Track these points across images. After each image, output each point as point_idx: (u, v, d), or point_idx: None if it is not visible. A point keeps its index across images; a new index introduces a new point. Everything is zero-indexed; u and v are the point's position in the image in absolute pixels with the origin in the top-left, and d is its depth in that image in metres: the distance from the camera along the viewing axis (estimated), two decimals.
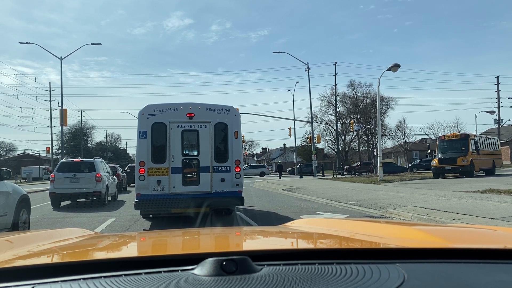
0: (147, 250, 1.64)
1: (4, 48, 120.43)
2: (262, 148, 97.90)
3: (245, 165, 47.89)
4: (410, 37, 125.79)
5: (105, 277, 0.94)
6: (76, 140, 77.51)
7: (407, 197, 12.91)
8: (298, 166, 45.04)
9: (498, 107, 50.12)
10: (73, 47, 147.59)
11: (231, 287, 0.87)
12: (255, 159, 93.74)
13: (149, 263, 1.03)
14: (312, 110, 42.09)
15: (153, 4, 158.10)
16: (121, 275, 0.95)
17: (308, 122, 43.06)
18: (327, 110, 58.96)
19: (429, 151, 34.10)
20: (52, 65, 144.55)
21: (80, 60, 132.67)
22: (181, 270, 0.97)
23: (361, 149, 64.75)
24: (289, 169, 60.35)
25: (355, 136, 61.53)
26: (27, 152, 78.00)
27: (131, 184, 22.12)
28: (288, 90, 70.63)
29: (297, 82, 64.05)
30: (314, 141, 40.08)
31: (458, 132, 34.16)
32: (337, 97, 52.98)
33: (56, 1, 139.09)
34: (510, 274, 1.01)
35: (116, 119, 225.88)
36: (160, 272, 0.96)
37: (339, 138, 56.89)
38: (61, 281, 0.93)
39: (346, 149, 61.29)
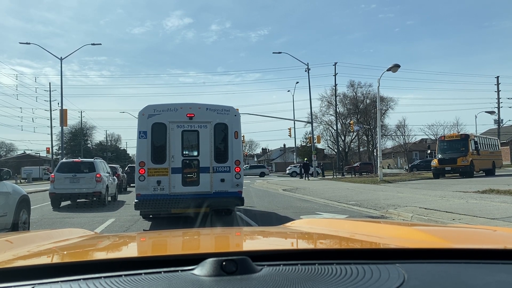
0: (147, 250, 1.64)
1: (2, 48, 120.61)
2: (262, 149, 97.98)
3: (245, 166, 47.90)
4: (411, 37, 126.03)
5: (105, 277, 0.94)
6: (76, 140, 77.49)
7: (407, 197, 12.91)
8: (298, 166, 44.99)
9: (498, 107, 50.19)
10: (71, 47, 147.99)
11: (231, 287, 0.88)
12: (255, 160, 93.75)
13: (149, 263, 1.03)
14: (312, 111, 42.05)
15: (152, 3, 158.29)
16: (121, 275, 0.95)
17: (308, 122, 43.04)
18: (327, 111, 59.03)
19: (429, 151, 34.10)
20: (51, 65, 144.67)
21: (79, 60, 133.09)
22: (181, 270, 0.97)
23: (361, 149, 64.76)
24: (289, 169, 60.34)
25: (355, 136, 61.55)
26: (27, 152, 78.02)
27: (131, 185, 22.12)
28: (288, 91, 70.53)
29: (297, 83, 64.25)
30: (314, 141, 40.04)
31: (458, 133, 34.14)
32: (337, 97, 53.04)
33: (53, 1, 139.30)
34: (510, 274, 1.01)
35: (116, 119, 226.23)
36: (160, 272, 0.96)
37: (339, 138, 56.90)
38: (61, 281, 0.93)
39: (346, 150, 61.28)
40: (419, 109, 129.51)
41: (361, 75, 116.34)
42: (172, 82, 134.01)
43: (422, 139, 64.90)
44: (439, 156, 26.53)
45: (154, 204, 8.87)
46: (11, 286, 0.91)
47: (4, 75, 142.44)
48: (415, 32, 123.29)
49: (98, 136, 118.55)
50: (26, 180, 53.03)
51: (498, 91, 50.84)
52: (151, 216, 9.73)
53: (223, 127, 9.48)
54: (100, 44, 52.43)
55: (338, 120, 53.55)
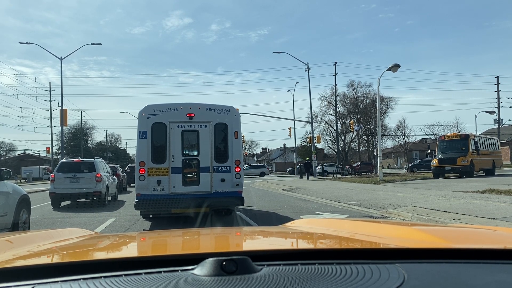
0: (147, 250, 1.64)
1: (2, 48, 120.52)
2: (262, 148, 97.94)
3: (245, 165, 47.89)
4: (411, 37, 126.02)
5: (105, 277, 0.94)
6: (76, 140, 77.48)
7: (407, 197, 12.90)
8: (298, 166, 45.05)
9: (498, 107, 50.16)
10: (71, 47, 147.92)
11: (231, 287, 0.88)
12: (255, 159, 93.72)
13: (149, 263, 1.03)
14: (312, 110, 42.04)
15: (152, 3, 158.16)
16: (121, 275, 0.95)
17: (308, 122, 43.02)
18: (327, 110, 59.04)
19: (429, 151, 34.09)
20: (51, 64, 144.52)
21: (79, 60, 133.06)
22: (181, 270, 0.97)
23: (361, 149, 64.75)
24: (289, 169, 60.35)
25: (355, 136, 61.54)
26: (27, 152, 77.99)
27: (131, 184, 22.13)
28: (288, 90, 70.64)
29: (297, 82, 64.34)
30: (314, 141, 40.04)
31: (458, 132, 34.12)
32: (337, 97, 53.01)
33: (53, 0, 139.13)
34: (510, 274, 1.01)
35: (116, 119, 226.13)
36: (160, 272, 0.96)
37: (339, 138, 56.89)
38: (61, 281, 0.93)
39: (346, 149, 61.28)
40: (419, 109, 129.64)
41: (361, 75, 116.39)
42: (172, 82, 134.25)
43: (422, 139, 64.91)
44: (439, 156, 26.52)
45: (154, 204, 8.88)
46: (11, 286, 0.91)
47: (4, 75, 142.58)
48: (415, 32, 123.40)
49: (98, 136, 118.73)
50: (26, 180, 53.02)
51: (498, 91, 50.84)
52: (151, 216, 9.73)
53: (223, 127, 9.49)
54: (100, 44, 52.80)
55: (338, 120, 53.55)
